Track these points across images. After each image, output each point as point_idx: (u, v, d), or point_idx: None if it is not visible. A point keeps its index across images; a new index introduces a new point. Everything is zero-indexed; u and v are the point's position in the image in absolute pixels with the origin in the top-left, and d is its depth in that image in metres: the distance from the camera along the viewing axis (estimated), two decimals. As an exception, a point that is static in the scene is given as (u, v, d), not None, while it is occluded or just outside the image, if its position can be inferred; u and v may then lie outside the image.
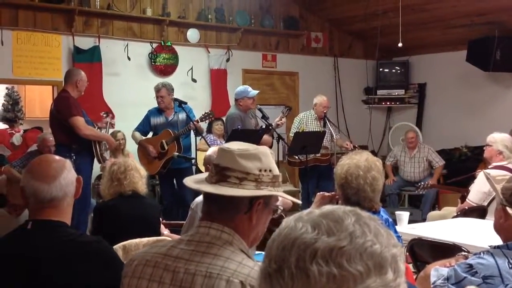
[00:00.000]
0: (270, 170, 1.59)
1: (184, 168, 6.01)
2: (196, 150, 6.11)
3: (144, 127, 6.32)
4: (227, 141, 5.93)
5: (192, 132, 6.11)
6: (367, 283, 0.77)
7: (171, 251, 1.55)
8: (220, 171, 1.58)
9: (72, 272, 1.95)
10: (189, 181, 1.68)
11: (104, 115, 5.91)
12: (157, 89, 6.23)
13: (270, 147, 6.21)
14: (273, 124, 6.32)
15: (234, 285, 1.44)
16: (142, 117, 6.38)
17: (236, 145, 1.62)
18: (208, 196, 1.60)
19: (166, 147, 6.06)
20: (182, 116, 6.13)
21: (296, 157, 6.63)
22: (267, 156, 1.60)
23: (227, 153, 1.59)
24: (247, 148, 1.60)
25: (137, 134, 6.28)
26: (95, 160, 5.65)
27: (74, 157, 5.16)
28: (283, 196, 1.64)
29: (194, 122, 5.90)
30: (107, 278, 2.01)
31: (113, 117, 6.09)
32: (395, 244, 0.83)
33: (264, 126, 6.29)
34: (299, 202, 1.93)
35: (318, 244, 0.78)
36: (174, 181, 6.28)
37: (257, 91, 6.52)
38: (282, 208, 1.74)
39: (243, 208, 1.56)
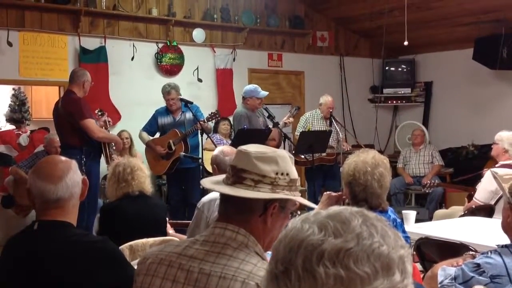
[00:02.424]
0: (287, 174, 1.58)
1: (191, 168, 6.00)
2: (203, 149, 6.11)
3: (151, 127, 6.32)
4: (233, 141, 5.94)
5: (199, 132, 6.09)
6: (375, 285, 0.76)
7: (186, 251, 1.55)
8: (237, 173, 1.58)
9: (78, 271, 1.96)
10: (207, 182, 1.70)
11: (99, 114, 5.81)
12: (167, 92, 6.19)
13: (278, 144, 6.23)
14: (280, 123, 6.33)
15: (250, 287, 1.43)
16: (149, 117, 6.38)
17: (254, 148, 1.61)
18: (224, 197, 1.60)
19: (173, 147, 6.06)
20: (189, 115, 6.12)
21: (302, 157, 6.62)
22: (284, 160, 1.60)
23: (244, 155, 1.59)
24: (264, 151, 1.60)
25: (145, 135, 6.27)
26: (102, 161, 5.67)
27: (84, 160, 5.16)
28: (298, 200, 1.63)
29: (201, 122, 5.89)
30: (113, 278, 2.01)
31: (108, 115, 6.04)
32: (402, 245, 0.82)
33: (271, 126, 6.31)
34: (315, 206, 1.91)
35: (325, 246, 0.78)
36: (182, 181, 6.26)
37: (267, 93, 6.52)
38: (299, 213, 1.73)
39: (258, 210, 1.56)
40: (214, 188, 1.61)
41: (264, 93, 6.43)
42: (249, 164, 1.57)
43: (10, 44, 6.45)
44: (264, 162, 1.57)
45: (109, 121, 5.89)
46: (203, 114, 6.20)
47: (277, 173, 1.56)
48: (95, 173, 5.39)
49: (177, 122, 6.19)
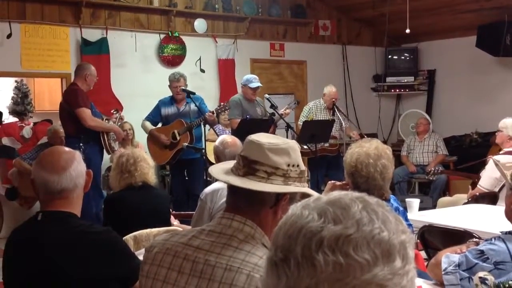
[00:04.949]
0: (297, 165, 1.58)
1: (194, 158, 5.98)
2: (205, 140, 6.10)
3: (154, 117, 6.25)
4: (236, 130, 5.93)
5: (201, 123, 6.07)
6: (374, 272, 0.75)
7: (192, 241, 1.53)
8: (249, 164, 1.56)
9: (83, 262, 1.97)
10: (216, 172, 1.66)
11: (114, 112, 5.99)
12: (176, 79, 6.13)
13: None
14: (278, 112, 6.32)
15: (255, 280, 1.42)
16: (150, 108, 6.35)
17: (265, 138, 1.59)
18: (233, 188, 1.57)
19: (178, 137, 6.00)
20: (194, 106, 6.05)
21: (305, 147, 6.60)
22: (295, 151, 1.59)
23: (256, 146, 1.56)
24: (277, 142, 1.58)
25: (148, 124, 6.21)
26: (105, 152, 5.71)
27: (82, 147, 5.24)
28: (309, 193, 1.62)
29: (210, 114, 5.87)
30: (117, 269, 2.02)
31: (121, 111, 6.15)
32: (404, 230, 0.81)
33: (271, 115, 6.30)
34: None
35: (324, 233, 0.77)
36: (185, 172, 6.22)
37: (259, 85, 6.48)
38: None
39: (270, 202, 1.55)
40: (229, 180, 1.57)
41: (255, 84, 6.40)
42: (262, 155, 1.55)
43: (9, 36, 6.45)
44: (277, 154, 1.55)
45: (121, 118, 5.98)
46: (207, 106, 6.19)
47: (289, 165, 1.55)
48: (95, 160, 5.45)
49: (181, 113, 6.14)
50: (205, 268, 1.47)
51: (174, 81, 6.15)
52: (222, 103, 6.20)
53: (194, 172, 6.04)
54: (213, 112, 5.92)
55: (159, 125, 6.31)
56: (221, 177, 1.61)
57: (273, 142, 1.57)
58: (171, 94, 6.25)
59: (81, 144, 5.28)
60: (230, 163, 1.66)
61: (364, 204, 0.82)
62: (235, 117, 6.25)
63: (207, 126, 6.00)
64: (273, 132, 6.28)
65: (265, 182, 1.53)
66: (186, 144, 5.84)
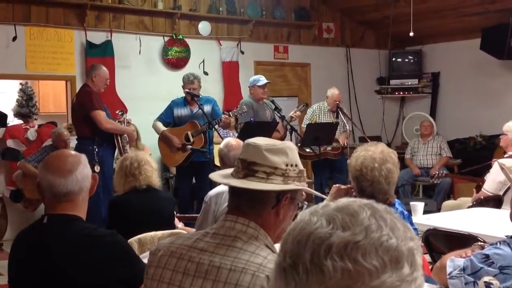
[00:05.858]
0: (296, 165, 1.60)
1: (204, 161, 5.91)
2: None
3: (166, 117, 6.10)
4: (240, 133, 5.92)
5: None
6: (383, 278, 0.76)
7: (196, 244, 1.55)
8: (247, 166, 1.58)
9: (88, 265, 1.97)
10: (216, 176, 1.70)
11: (120, 113, 5.92)
12: (190, 82, 6.00)
13: (283, 137, 6.21)
14: (287, 116, 6.32)
15: (260, 280, 1.43)
16: (154, 110, 6.32)
17: (261, 140, 1.62)
18: (235, 191, 1.60)
19: (191, 139, 5.87)
20: (207, 109, 5.95)
21: (307, 150, 6.58)
22: (293, 151, 1.61)
23: (254, 148, 1.59)
24: (273, 143, 1.61)
25: (160, 125, 6.06)
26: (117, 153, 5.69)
27: (96, 150, 5.23)
28: (309, 191, 1.64)
29: (226, 117, 5.81)
30: (122, 271, 2.03)
31: (126, 113, 6.12)
32: (412, 237, 0.82)
33: (277, 119, 6.30)
34: (324, 196, 1.92)
35: (333, 239, 0.78)
36: (194, 174, 6.12)
37: (267, 81, 6.49)
38: (307, 204, 1.74)
39: (271, 202, 1.57)
40: (229, 182, 1.60)
41: (264, 81, 6.40)
42: (260, 156, 1.57)
43: (14, 39, 6.47)
44: (274, 154, 1.57)
45: (127, 120, 5.95)
46: (220, 108, 6.17)
47: (287, 164, 1.57)
48: (109, 163, 5.40)
49: (195, 115, 6.01)
50: (210, 269, 1.49)
51: (188, 83, 6.03)
52: (240, 106, 6.09)
53: (202, 175, 5.93)
54: (229, 115, 5.88)
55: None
56: (221, 180, 1.65)
57: (270, 143, 1.59)
58: (174, 95, 6.23)
59: (95, 147, 5.24)
60: (231, 170, 1.68)
61: (373, 211, 0.82)
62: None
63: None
64: (283, 137, 6.24)
65: (265, 182, 1.55)
66: (190, 146, 5.81)
